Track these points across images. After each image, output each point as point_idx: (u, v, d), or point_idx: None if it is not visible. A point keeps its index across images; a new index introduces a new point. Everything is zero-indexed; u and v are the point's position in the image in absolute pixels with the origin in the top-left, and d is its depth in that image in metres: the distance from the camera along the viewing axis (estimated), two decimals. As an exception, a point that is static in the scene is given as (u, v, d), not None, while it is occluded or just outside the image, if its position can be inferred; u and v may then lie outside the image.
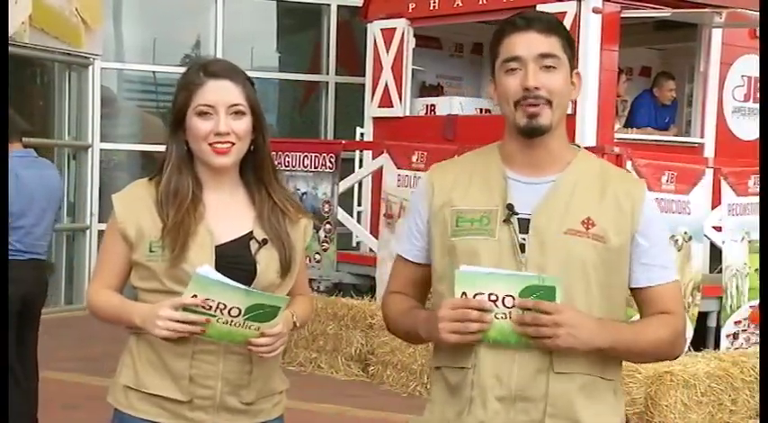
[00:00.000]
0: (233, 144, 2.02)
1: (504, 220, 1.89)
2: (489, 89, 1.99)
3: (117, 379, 2.10)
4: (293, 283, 2.12)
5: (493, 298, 1.79)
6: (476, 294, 1.80)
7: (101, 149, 8.98)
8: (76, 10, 8.51)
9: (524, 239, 1.87)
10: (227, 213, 2.06)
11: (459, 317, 1.81)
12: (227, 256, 2.01)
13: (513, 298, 1.79)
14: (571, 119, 6.56)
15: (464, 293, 1.81)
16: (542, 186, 1.91)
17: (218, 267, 1.94)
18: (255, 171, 2.09)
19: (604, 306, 1.89)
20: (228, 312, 1.90)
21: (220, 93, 2.02)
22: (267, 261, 2.03)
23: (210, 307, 1.89)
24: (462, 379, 1.91)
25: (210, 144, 2.01)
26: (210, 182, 2.07)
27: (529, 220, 1.89)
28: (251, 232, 2.05)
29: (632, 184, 1.99)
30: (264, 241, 2.04)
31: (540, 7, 6.94)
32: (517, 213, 1.88)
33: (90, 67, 8.82)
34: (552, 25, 1.91)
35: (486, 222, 1.89)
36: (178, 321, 1.92)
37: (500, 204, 1.90)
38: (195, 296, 1.90)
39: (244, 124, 2.03)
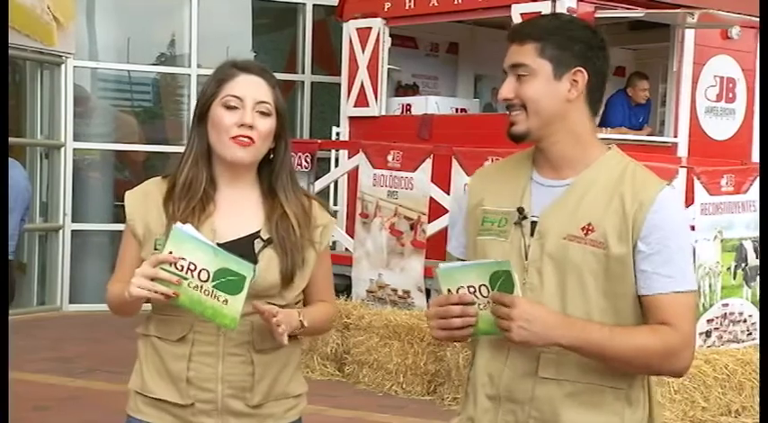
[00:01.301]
0: (253, 141, 1.98)
1: (516, 223, 1.91)
2: None
3: (129, 385, 2.10)
4: (310, 291, 2.09)
5: (471, 290, 1.81)
6: (458, 289, 1.82)
7: (74, 149, 8.90)
8: (48, 8, 8.43)
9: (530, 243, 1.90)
10: (237, 213, 2.03)
11: (443, 313, 1.82)
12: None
13: (487, 287, 1.80)
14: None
15: (449, 290, 1.83)
16: (558, 189, 1.92)
17: None
18: (271, 179, 2.06)
19: (609, 314, 1.85)
20: (198, 275, 1.87)
21: (251, 87, 2.00)
22: (269, 261, 2.00)
23: (183, 267, 1.87)
24: (467, 374, 1.98)
25: (232, 137, 1.98)
26: (225, 180, 2.04)
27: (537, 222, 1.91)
28: (257, 232, 2.02)
29: (646, 188, 1.88)
30: (269, 241, 2.00)
31: (514, 7, 6.97)
32: (527, 217, 1.90)
33: (62, 66, 8.74)
34: (525, 32, 1.91)
35: (503, 224, 1.92)
36: (152, 279, 1.86)
37: (518, 206, 1.93)
38: (171, 252, 1.87)
39: (268, 124, 2.00)
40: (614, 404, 1.87)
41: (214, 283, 1.88)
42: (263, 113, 2.00)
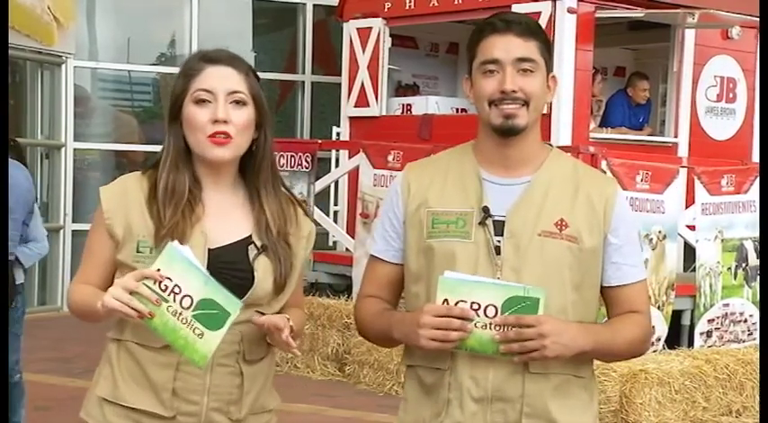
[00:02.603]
0: (231, 137, 1.86)
1: (480, 223, 1.89)
2: (465, 87, 1.99)
3: (92, 391, 1.95)
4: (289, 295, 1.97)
5: (475, 307, 1.78)
6: (458, 302, 1.79)
7: (74, 149, 8.91)
8: (48, 8, 8.43)
9: (500, 241, 1.88)
10: (227, 215, 1.92)
11: (442, 325, 1.79)
12: (222, 260, 1.87)
13: (496, 308, 1.77)
14: (546, 119, 6.59)
15: (446, 300, 1.79)
16: (517, 187, 1.92)
17: (212, 271, 1.80)
18: (253, 173, 1.94)
19: (579, 306, 1.90)
20: (180, 301, 1.75)
21: (220, 78, 1.87)
22: (265, 269, 1.89)
23: (166, 287, 1.74)
24: (438, 380, 1.91)
25: (207, 136, 1.85)
26: (209, 180, 1.92)
27: (503, 221, 1.89)
28: (249, 237, 1.91)
29: (605, 183, 2.00)
30: (264, 248, 1.90)
31: (514, 7, 6.97)
32: (492, 215, 1.89)
33: (63, 66, 8.74)
34: (531, 29, 1.92)
35: (462, 224, 1.89)
36: (131, 294, 1.74)
37: (476, 206, 1.90)
38: (158, 270, 1.75)
39: (244, 115, 1.87)
40: (579, 392, 1.94)
41: (194, 313, 1.75)
42: (237, 103, 1.88)
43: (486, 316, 1.78)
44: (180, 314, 1.76)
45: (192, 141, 1.89)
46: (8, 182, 3.93)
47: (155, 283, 1.75)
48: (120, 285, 1.76)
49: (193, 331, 1.76)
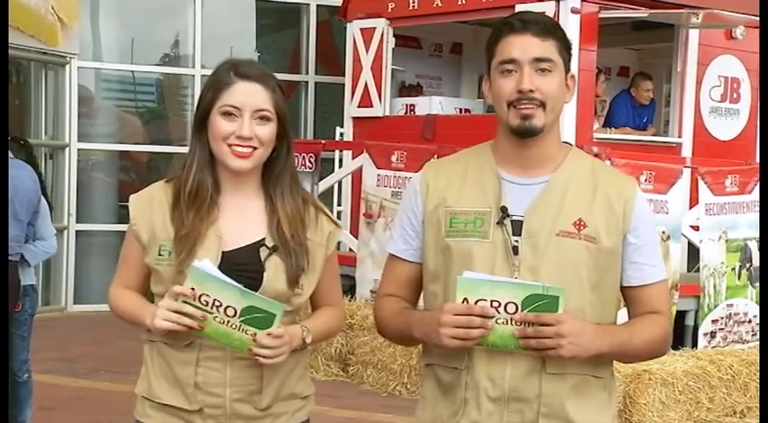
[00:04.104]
0: (255, 149, 1.97)
1: (498, 223, 1.89)
2: (484, 87, 2.00)
3: (136, 390, 2.09)
4: (317, 295, 2.07)
5: (495, 304, 1.80)
6: (477, 300, 1.80)
7: (78, 149, 8.92)
8: (53, 8, 8.44)
9: (517, 241, 1.88)
10: (242, 219, 2.01)
11: (463, 323, 1.81)
12: (234, 262, 1.96)
13: (516, 305, 1.79)
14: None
15: (465, 299, 1.80)
16: (535, 187, 1.92)
17: (224, 273, 1.89)
18: (272, 181, 2.04)
19: (597, 306, 1.90)
20: (224, 311, 1.86)
21: (248, 95, 1.96)
22: (276, 269, 1.97)
23: (207, 302, 1.86)
24: (455, 379, 1.92)
25: (230, 145, 1.96)
26: (229, 185, 2.02)
27: (522, 221, 1.89)
28: (263, 239, 2.00)
29: (624, 183, 1.98)
30: (275, 248, 1.98)
31: (518, 7, 6.96)
32: (510, 215, 1.89)
33: (67, 67, 8.76)
34: (549, 29, 1.92)
35: (479, 224, 1.90)
36: (176, 312, 1.87)
37: (494, 206, 1.91)
38: (192, 289, 1.86)
39: (268, 130, 1.98)
40: (598, 392, 1.94)
41: (242, 319, 1.86)
42: (262, 118, 1.98)
43: (507, 312, 1.80)
44: (228, 322, 1.87)
45: (216, 150, 2.00)
46: (8, 182, 3.93)
47: (194, 299, 1.87)
48: (164, 307, 1.90)
49: (246, 333, 1.88)
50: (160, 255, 1.98)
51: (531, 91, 1.87)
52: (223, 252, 1.96)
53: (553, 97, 1.90)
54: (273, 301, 1.88)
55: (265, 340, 1.88)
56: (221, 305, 1.86)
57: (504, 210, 1.89)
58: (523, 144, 1.92)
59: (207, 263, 1.88)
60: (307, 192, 2.11)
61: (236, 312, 1.85)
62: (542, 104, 1.88)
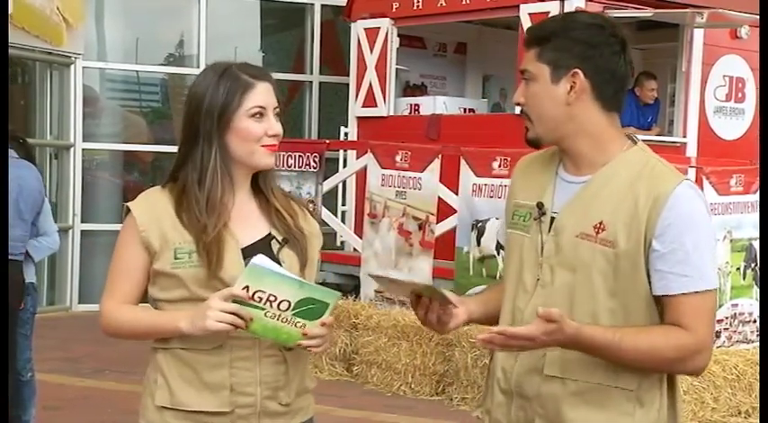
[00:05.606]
0: (278, 145, 2.05)
1: (535, 218, 1.90)
2: None
3: (147, 402, 2.03)
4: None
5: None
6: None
7: (83, 149, 8.93)
8: (58, 9, 8.46)
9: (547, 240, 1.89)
10: (246, 218, 2.05)
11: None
12: (251, 258, 1.96)
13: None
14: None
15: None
16: (576, 185, 1.90)
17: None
18: (260, 176, 2.07)
19: (619, 314, 1.82)
20: (278, 306, 1.88)
21: (268, 94, 2.03)
22: (290, 260, 2.02)
23: (261, 299, 1.87)
24: (489, 366, 2.01)
25: (263, 146, 2.02)
26: (239, 186, 2.05)
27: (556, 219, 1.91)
28: (269, 234, 2.04)
29: (662, 184, 1.82)
30: (285, 241, 2.03)
31: (522, 7, 6.97)
32: (545, 212, 1.90)
33: (72, 67, 8.77)
34: (531, 36, 1.92)
35: (527, 218, 1.93)
36: (230, 313, 1.87)
37: (536, 201, 1.94)
38: (246, 288, 1.86)
39: (280, 125, 2.06)
40: (624, 404, 1.84)
41: (294, 311, 1.88)
42: (277, 115, 2.05)
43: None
44: (279, 316, 1.89)
45: (243, 151, 2.02)
46: (8, 182, 3.93)
47: (249, 298, 1.87)
48: (216, 309, 1.87)
49: (295, 325, 1.90)
50: (177, 258, 1.96)
51: (518, 104, 1.92)
52: (241, 249, 1.99)
53: (532, 106, 1.88)
54: (329, 290, 1.92)
55: (316, 330, 1.90)
56: (275, 300, 1.87)
57: (539, 206, 1.90)
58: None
59: (264, 258, 1.90)
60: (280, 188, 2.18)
61: (289, 305, 1.88)
62: (528, 115, 1.90)
